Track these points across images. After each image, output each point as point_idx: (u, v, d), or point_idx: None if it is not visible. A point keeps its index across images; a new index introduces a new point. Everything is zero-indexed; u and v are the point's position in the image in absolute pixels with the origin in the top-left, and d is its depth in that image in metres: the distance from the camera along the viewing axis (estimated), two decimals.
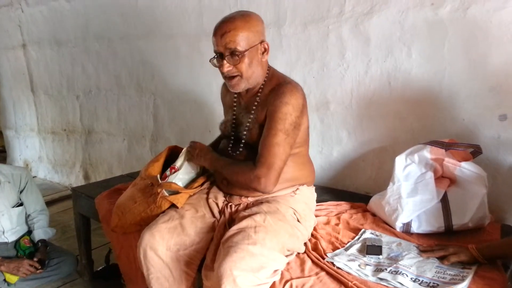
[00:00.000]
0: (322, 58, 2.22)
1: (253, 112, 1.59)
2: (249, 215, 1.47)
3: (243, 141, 1.61)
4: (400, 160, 1.71)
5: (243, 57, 1.47)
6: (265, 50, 1.54)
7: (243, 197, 1.63)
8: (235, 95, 1.69)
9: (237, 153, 1.62)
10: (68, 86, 4.15)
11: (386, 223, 1.70)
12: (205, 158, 1.66)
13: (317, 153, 2.34)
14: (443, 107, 1.89)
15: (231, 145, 1.66)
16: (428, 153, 1.68)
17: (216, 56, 1.52)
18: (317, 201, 1.88)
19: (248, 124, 1.59)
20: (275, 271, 1.35)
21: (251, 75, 1.53)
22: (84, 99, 4.02)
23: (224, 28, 1.46)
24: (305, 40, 2.27)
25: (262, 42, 1.52)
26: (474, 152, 1.72)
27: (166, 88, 3.19)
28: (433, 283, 1.27)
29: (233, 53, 1.46)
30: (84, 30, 3.72)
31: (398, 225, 1.64)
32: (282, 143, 1.48)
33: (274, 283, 1.35)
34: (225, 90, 1.79)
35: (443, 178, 1.70)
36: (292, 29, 2.31)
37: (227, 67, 1.48)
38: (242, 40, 1.45)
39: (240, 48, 1.46)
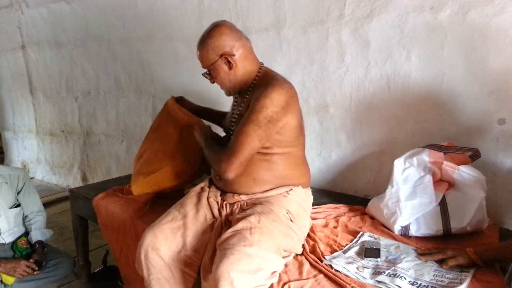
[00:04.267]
0: (322, 61, 2.23)
1: (241, 107, 1.64)
2: (243, 217, 1.48)
3: (231, 133, 1.66)
4: (398, 163, 1.71)
5: (211, 72, 1.64)
6: (229, 61, 1.59)
7: (235, 194, 1.64)
8: (236, 97, 1.76)
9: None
10: (67, 87, 4.15)
11: (385, 226, 1.70)
12: (198, 133, 1.79)
13: (316, 155, 2.34)
14: (442, 110, 1.90)
15: (226, 140, 1.72)
16: (427, 156, 1.68)
17: None
18: (316, 203, 1.88)
19: (235, 119, 1.66)
20: (273, 272, 1.35)
21: (228, 83, 1.65)
22: (83, 101, 4.02)
23: (197, 51, 1.66)
24: (305, 43, 2.28)
25: (222, 55, 1.58)
26: (473, 156, 1.72)
27: (165, 90, 3.19)
28: (431, 286, 1.27)
29: (207, 69, 1.66)
30: (84, 32, 3.73)
31: (397, 228, 1.64)
32: (251, 133, 1.48)
33: (272, 285, 1.35)
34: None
35: (442, 182, 1.70)
36: (291, 32, 2.32)
37: (210, 80, 1.69)
38: (203, 60, 1.63)
39: (205, 66, 1.64)
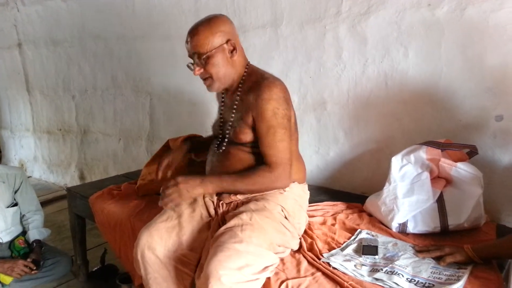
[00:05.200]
0: (319, 58, 2.22)
1: (234, 110, 1.60)
2: (236, 215, 1.49)
3: (226, 138, 1.62)
4: (396, 161, 1.71)
5: (208, 59, 1.52)
6: (234, 49, 1.55)
7: (232, 194, 1.62)
8: (223, 96, 1.72)
9: (221, 151, 1.63)
10: (64, 85, 4.13)
11: (382, 223, 1.70)
12: (202, 187, 1.53)
13: (314, 153, 2.34)
14: (440, 107, 1.89)
15: (217, 143, 1.68)
16: (424, 153, 1.68)
17: (191, 62, 1.60)
18: (313, 201, 1.88)
19: (231, 122, 1.61)
20: (265, 268, 1.35)
21: (222, 75, 1.57)
22: (80, 99, 4.01)
23: (190, 34, 1.55)
24: (302, 40, 2.27)
25: (228, 41, 1.54)
26: (470, 153, 1.72)
27: (162, 88, 3.19)
28: (429, 283, 1.27)
29: (200, 56, 1.52)
30: (81, 30, 3.71)
31: (394, 225, 1.64)
32: (284, 137, 1.52)
33: (269, 283, 1.35)
34: (218, 97, 1.82)
35: (439, 179, 1.70)
36: (289, 29, 2.31)
37: (197, 70, 1.56)
38: (205, 43, 1.51)
39: (204, 50, 1.51)
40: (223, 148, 1.63)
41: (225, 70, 1.56)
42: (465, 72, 1.81)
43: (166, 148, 2.32)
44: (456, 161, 1.66)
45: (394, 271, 1.33)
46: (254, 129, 1.55)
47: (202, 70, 1.56)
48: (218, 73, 1.56)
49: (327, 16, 2.15)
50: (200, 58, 1.53)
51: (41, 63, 4.31)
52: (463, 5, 1.76)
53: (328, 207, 1.91)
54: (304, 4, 2.22)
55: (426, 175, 1.66)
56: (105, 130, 3.83)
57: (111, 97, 3.66)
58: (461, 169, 1.63)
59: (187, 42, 1.55)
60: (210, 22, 1.53)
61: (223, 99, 1.71)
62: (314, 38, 2.22)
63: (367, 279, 1.32)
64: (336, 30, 2.13)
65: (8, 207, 2.38)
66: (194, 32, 1.53)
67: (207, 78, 1.58)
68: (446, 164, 1.65)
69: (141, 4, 3.08)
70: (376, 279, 1.31)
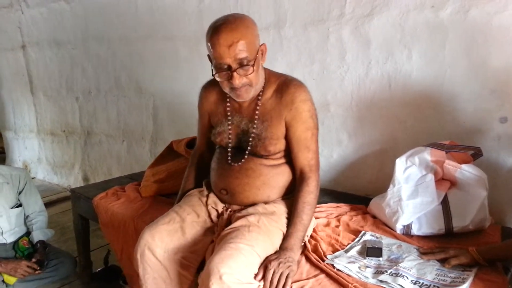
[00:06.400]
0: (322, 60, 2.22)
1: (257, 119, 1.51)
2: (244, 216, 1.48)
3: (248, 149, 1.53)
4: (400, 162, 1.71)
5: (253, 65, 1.37)
6: (263, 53, 1.47)
7: (243, 206, 1.60)
8: (228, 103, 1.58)
9: (240, 164, 1.54)
10: (68, 87, 4.15)
11: (386, 225, 1.70)
12: (296, 254, 1.44)
13: None
14: (444, 109, 1.89)
15: (230, 155, 1.57)
16: (428, 155, 1.68)
17: (219, 69, 1.38)
18: (317, 203, 1.87)
19: (254, 133, 1.52)
20: None
21: (257, 81, 1.44)
22: (84, 100, 4.02)
23: (230, 37, 1.32)
24: (305, 42, 2.27)
25: (261, 45, 1.46)
26: (475, 155, 1.72)
27: (165, 89, 3.19)
28: (434, 285, 1.27)
29: (243, 63, 1.35)
30: (84, 32, 3.72)
31: (399, 227, 1.63)
32: (317, 139, 1.55)
33: None
34: (216, 99, 1.64)
35: (444, 180, 1.70)
36: (292, 31, 2.31)
37: (238, 78, 1.36)
38: (250, 48, 1.35)
39: (251, 57, 1.36)
40: (243, 160, 1.54)
41: (260, 76, 1.45)
42: (469, 74, 1.81)
43: (169, 150, 2.33)
44: (460, 163, 1.66)
45: (399, 273, 1.32)
46: (282, 137, 1.52)
47: (242, 79, 1.38)
48: (256, 80, 1.42)
49: (330, 18, 2.15)
50: (243, 65, 1.35)
51: (45, 65, 4.33)
52: (466, 7, 1.76)
53: (331, 208, 1.91)
54: (307, 5, 2.22)
55: (430, 177, 1.66)
56: (109, 131, 3.84)
57: (115, 99, 3.67)
58: (466, 171, 1.62)
59: (226, 47, 1.32)
60: (247, 23, 1.38)
61: (229, 107, 1.58)
62: (318, 39, 2.22)
63: (372, 281, 1.32)
64: (340, 32, 2.13)
65: (12, 207, 2.39)
66: (237, 36, 1.32)
67: (244, 87, 1.41)
68: (451, 166, 1.65)
69: (144, 5, 3.09)
70: (381, 281, 1.30)
